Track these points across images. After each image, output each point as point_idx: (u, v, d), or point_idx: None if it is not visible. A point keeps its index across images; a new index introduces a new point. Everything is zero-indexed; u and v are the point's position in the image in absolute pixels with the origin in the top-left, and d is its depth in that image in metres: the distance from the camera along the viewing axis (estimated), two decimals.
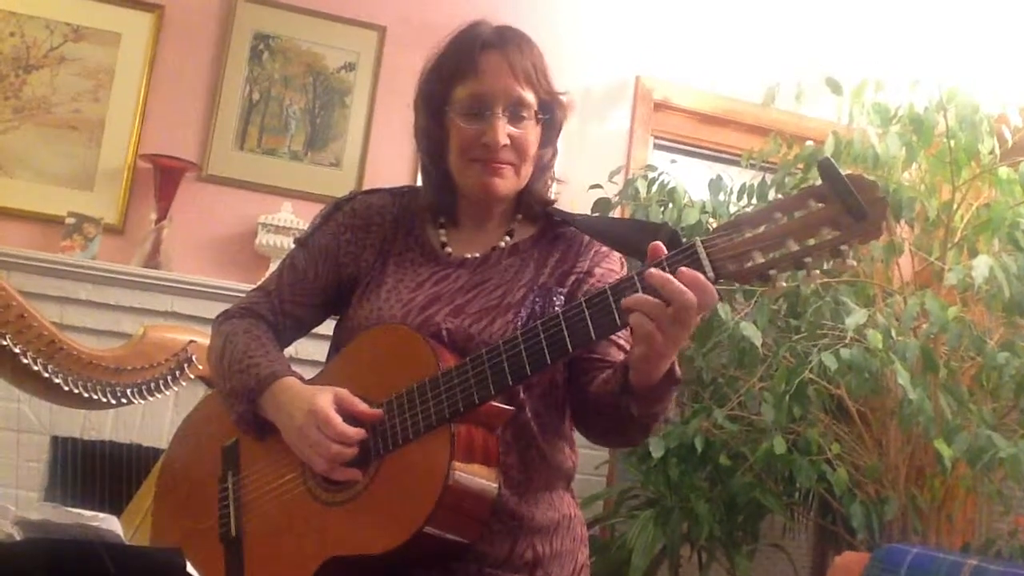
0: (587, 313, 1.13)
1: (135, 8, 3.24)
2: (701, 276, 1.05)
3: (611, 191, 3.12)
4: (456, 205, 1.41)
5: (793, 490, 3.02)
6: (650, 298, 1.07)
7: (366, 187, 3.35)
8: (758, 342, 2.64)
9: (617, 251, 1.40)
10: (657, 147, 3.77)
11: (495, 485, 1.22)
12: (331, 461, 1.22)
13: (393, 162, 3.42)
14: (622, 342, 1.33)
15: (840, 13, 3.68)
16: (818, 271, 1.04)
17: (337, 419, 1.22)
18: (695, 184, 3.09)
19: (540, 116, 1.35)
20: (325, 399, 1.24)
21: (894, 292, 2.93)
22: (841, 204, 1.00)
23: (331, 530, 1.23)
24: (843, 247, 1.01)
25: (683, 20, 3.71)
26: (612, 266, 1.40)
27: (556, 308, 1.30)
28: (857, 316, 2.51)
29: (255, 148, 3.31)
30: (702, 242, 1.07)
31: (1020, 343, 2.58)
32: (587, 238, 1.41)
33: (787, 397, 2.61)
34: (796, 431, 2.77)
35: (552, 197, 1.46)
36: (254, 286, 3.08)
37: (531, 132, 1.34)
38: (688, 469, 2.86)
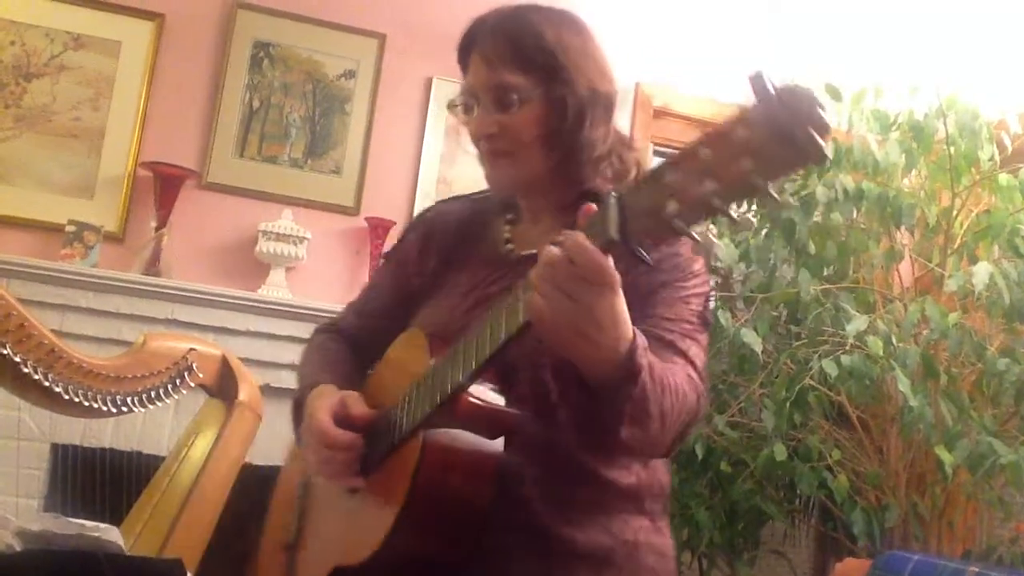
0: (519, 290, 0.99)
1: (135, 16, 3.24)
2: (580, 237, 0.89)
3: None
4: (514, 201, 1.36)
5: (794, 497, 3.01)
6: (537, 267, 0.93)
7: (365, 194, 3.37)
8: (758, 348, 2.64)
9: None
10: (657, 153, 3.77)
11: (484, 499, 1.11)
12: (321, 465, 1.21)
13: (393, 169, 3.42)
14: (670, 336, 1.17)
15: (839, 20, 3.69)
16: (750, 219, 0.84)
17: (326, 423, 1.19)
18: None
19: (532, 93, 1.23)
20: (324, 404, 1.22)
21: (894, 298, 2.93)
22: (766, 126, 0.76)
23: (337, 539, 1.24)
24: (757, 180, 0.76)
25: (682, 27, 3.71)
26: (676, 250, 1.22)
27: None
28: (857, 322, 2.51)
29: (255, 156, 3.32)
30: (616, 197, 0.88)
31: (1020, 349, 2.58)
32: None
33: (788, 404, 2.61)
34: (797, 438, 2.77)
35: (612, 174, 1.28)
36: (253, 293, 3.10)
37: (524, 115, 1.24)
38: (689, 476, 2.85)
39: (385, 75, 3.43)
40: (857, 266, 2.99)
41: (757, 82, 0.78)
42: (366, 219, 3.29)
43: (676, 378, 1.09)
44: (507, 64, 1.24)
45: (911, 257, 3.06)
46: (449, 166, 3.46)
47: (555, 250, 0.90)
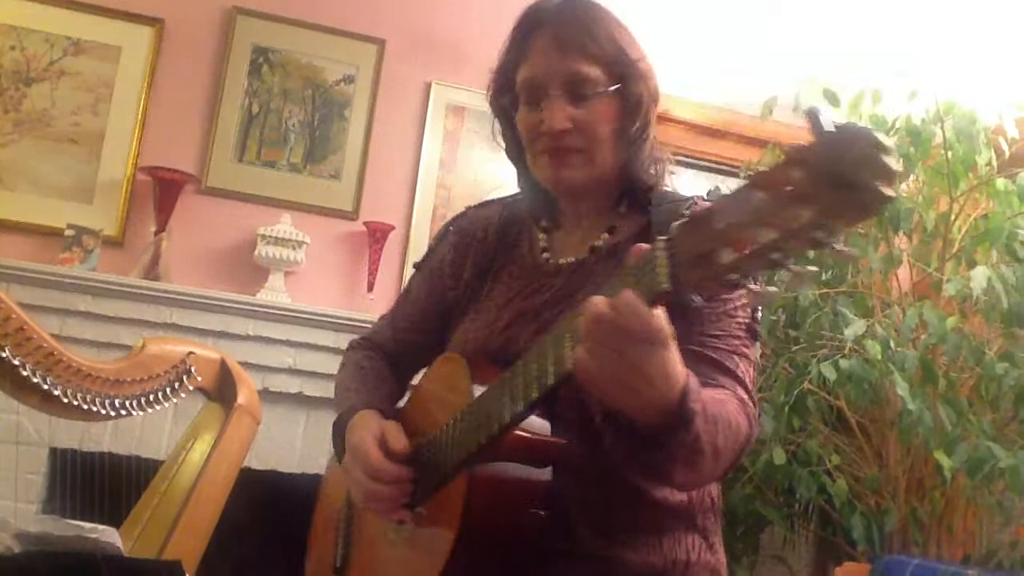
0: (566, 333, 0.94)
1: (135, 22, 3.25)
2: (629, 298, 0.83)
3: None
4: (553, 205, 1.29)
5: (793, 502, 3.01)
6: (584, 322, 0.86)
7: (364, 199, 3.37)
8: (757, 353, 2.64)
9: None
10: None
11: (532, 524, 1.07)
12: (366, 499, 1.17)
13: (392, 174, 3.43)
14: (715, 355, 1.11)
15: (838, 25, 3.69)
16: (814, 271, 0.75)
17: (375, 454, 1.14)
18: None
19: (608, 88, 1.18)
20: (369, 434, 1.18)
21: (893, 303, 2.93)
22: (822, 171, 0.68)
23: (386, 571, 1.21)
24: (819, 234, 0.69)
25: (681, 32, 3.72)
26: None
27: None
28: (856, 327, 2.52)
29: (254, 160, 3.32)
30: (666, 242, 0.81)
31: (1019, 354, 2.59)
32: None
33: (787, 408, 2.61)
34: (796, 442, 2.77)
35: (657, 176, 1.26)
36: (252, 297, 3.10)
37: (599, 109, 1.19)
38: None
39: (384, 80, 3.44)
40: (855, 271, 3.00)
41: (814, 119, 0.70)
42: (365, 224, 3.30)
43: (727, 410, 1.04)
44: (584, 53, 1.18)
45: (909, 262, 3.07)
46: (448, 171, 3.46)
47: (602, 305, 0.84)
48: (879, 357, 2.48)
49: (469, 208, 1.42)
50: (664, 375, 0.89)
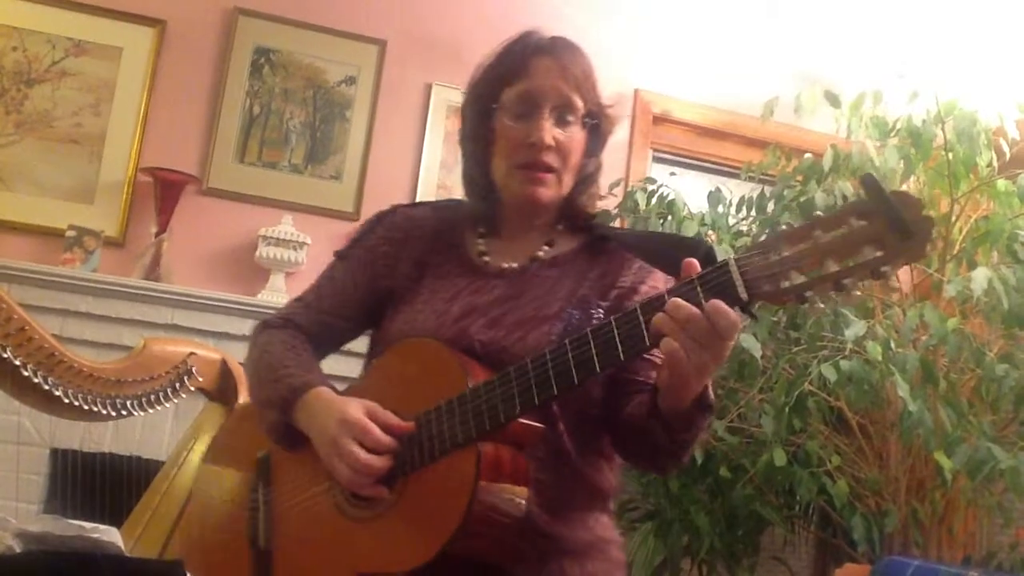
0: (616, 332, 1.09)
1: (136, 23, 3.26)
2: (722, 305, 1.02)
3: (610, 204, 3.12)
4: (498, 214, 1.39)
5: (793, 502, 3.01)
6: (677, 320, 1.03)
7: (365, 200, 3.37)
8: (758, 354, 2.64)
9: (653, 266, 1.34)
10: (656, 160, 3.78)
11: (523, 504, 1.18)
12: (360, 472, 1.18)
13: (393, 175, 3.43)
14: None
15: (838, 26, 3.70)
16: (858, 292, 0.99)
17: (374, 428, 1.19)
18: (694, 196, 3.10)
19: (586, 120, 1.32)
20: (357, 409, 1.21)
21: (893, 304, 2.93)
22: (885, 222, 0.94)
23: (358, 546, 1.22)
24: (885, 268, 0.94)
25: (682, 34, 3.73)
26: (657, 283, 1.32)
27: (594, 322, 1.24)
28: (856, 328, 2.51)
29: (255, 161, 3.32)
30: (736, 260, 1.03)
31: (1020, 355, 2.58)
32: (631, 253, 1.36)
33: (787, 409, 2.61)
34: (796, 443, 2.76)
35: (595, 211, 1.43)
36: (253, 298, 3.10)
37: (576, 137, 1.32)
38: (688, 481, 2.85)
39: (385, 81, 3.44)
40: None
41: (870, 182, 0.94)
42: None
43: None
44: (578, 85, 1.32)
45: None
46: (448, 172, 3.46)
47: (691, 307, 1.02)
48: (880, 358, 2.48)
49: (398, 206, 1.50)
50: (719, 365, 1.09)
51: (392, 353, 1.31)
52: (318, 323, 1.44)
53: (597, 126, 1.35)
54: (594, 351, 1.10)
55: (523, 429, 1.18)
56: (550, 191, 1.32)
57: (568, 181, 1.34)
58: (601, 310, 1.28)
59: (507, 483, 1.17)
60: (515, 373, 1.14)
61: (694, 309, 1.02)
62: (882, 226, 0.93)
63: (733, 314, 1.02)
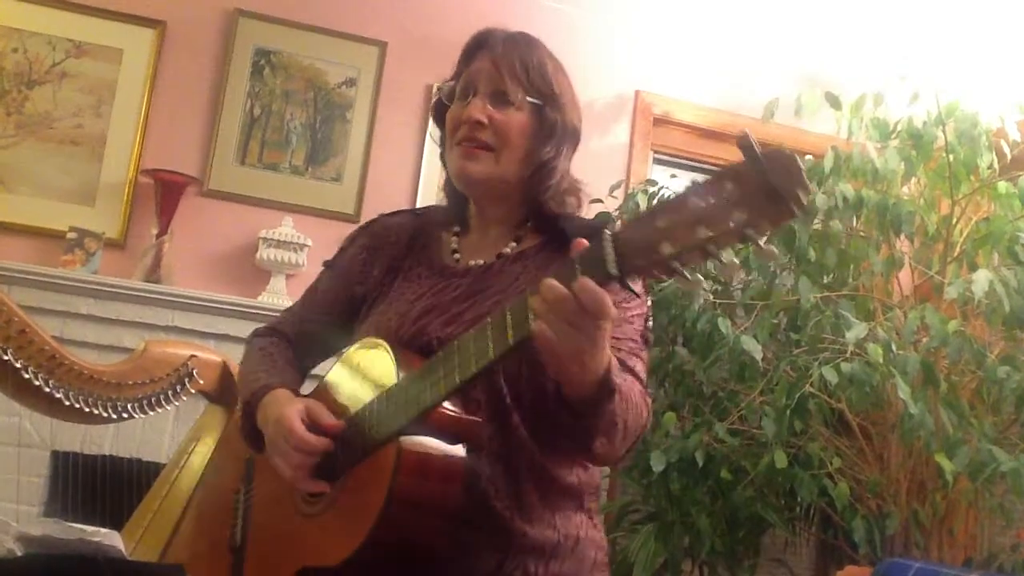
0: (508, 317, 1.07)
1: (137, 24, 3.26)
2: (588, 282, 0.97)
3: (612, 205, 3.13)
4: (468, 212, 1.42)
5: (794, 504, 3.01)
6: (548, 301, 1.00)
7: (366, 202, 3.37)
8: (758, 356, 2.64)
9: None
10: (657, 161, 3.78)
11: (458, 497, 1.16)
12: (294, 470, 1.22)
13: (394, 177, 3.43)
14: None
15: (839, 28, 3.70)
16: (736, 263, 0.92)
17: (300, 428, 1.21)
18: None
19: (528, 101, 1.33)
20: (292, 409, 1.25)
21: (894, 306, 2.93)
22: (753, 184, 0.87)
23: (302, 541, 1.25)
24: (749, 231, 0.88)
25: (682, 35, 3.73)
26: None
27: None
28: (857, 330, 2.51)
29: (256, 163, 3.32)
30: (611, 235, 0.97)
31: (1020, 357, 2.58)
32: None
33: (788, 411, 2.60)
34: (797, 445, 2.76)
35: (570, 209, 1.40)
36: (254, 300, 3.10)
37: (515, 118, 1.32)
38: (689, 483, 2.85)
39: (386, 83, 3.44)
40: (857, 273, 2.99)
41: (745, 143, 0.87)
42: None
43: (634, 393, 1.19)
44: (513, 74, 1.33)
45: (911, 264, 3.07)
46: None
47: (559, 287, 0.98)
48: (880, 360, 2.48)
49: (381, 215, 1.55)
50: (604, 348, 1.05)
51: (347, 354, 1.35)
52: (301, 331, 1.51)
53: (544, 112, 1.34)
54: (490, 337, 1.08)
55: (449, 420, 1.16)
56: (481, 167, 1.32)
57: (510, 163, 1.33)
58: None
59: (437, 477, 1.15)
60: (439, 361, 1.14)
61: (563, 289, 0.98)
62: (751, 188, 0.88)
63: (599, 292, 0.97)
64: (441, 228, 1.45)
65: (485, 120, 1.31)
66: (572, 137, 1.39)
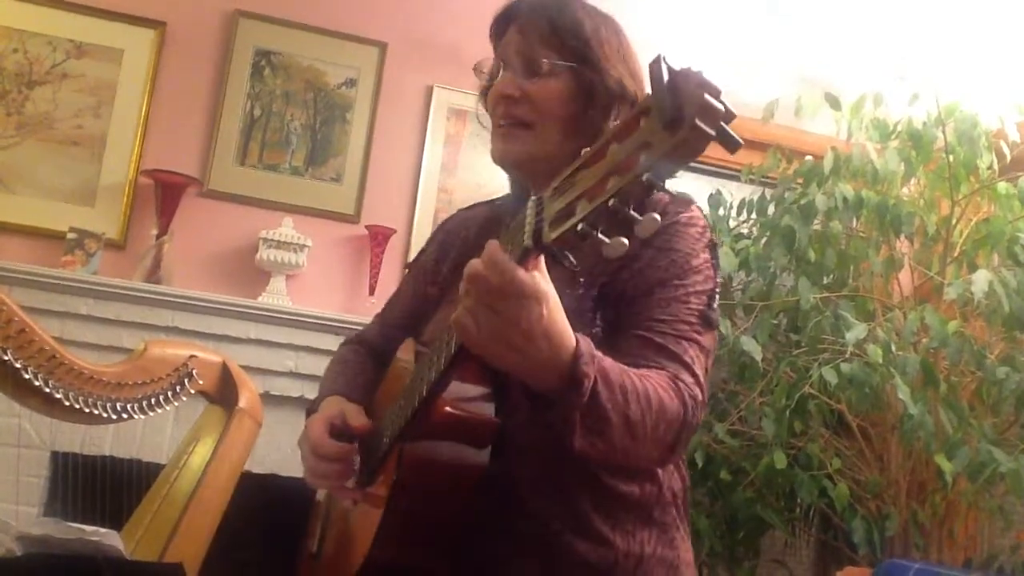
0: None
1: (137, 25, 3.26)
2: (496, 254, 0.86)
3: None
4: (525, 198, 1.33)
5: (794, 505, 3.01)
6: (467, 281, 0.89)
7: (366, 203, 3.37)
8: (758, 357, 2.64)
9: None
10: None
11: (460, 506, 1.08)
12: (312, 475, 1.21)
13: (394, 177, 3.43)
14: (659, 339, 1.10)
15: (839, 28, 3.70)
16: (656, 219, 0.74)
17: (317, 433, 1.19)
18: (695, 198, 3.09)
19: (562, 66, 1.20)
20: (322, 416, 1.22)
21: (894, 307, 2.93)
22: (659, 114, 0.70)
23: (345, 549, 1.24)
24: (648, 176, 0.71)
25: (681, 36, 3.72)
26: (673, 245, 1.15)
27: (588, 304, 1.13)
28: (857, 330, 2.51)
29: (256, 164, 3.32)
30: (536, 201, 0.84)
31: (1020, 358, 2.59)
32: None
33: (788, 412, 2.61)
34: (797, 446, 2.77)
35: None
36: (254, 301, 3.10)
37: (551, 86, 1.20)
38: (689, 484, 2.85)
39: (386, 84, 3.44)
40: (857, 274, 3.00)
41: (654, 69, 0.72)
42: (366, 227, 3.30)
43: (647, 384, 1.03)
44: (542, 39, 1.21)
45: (910, 265, 3.07)
46: (449, 175, 3.46)
47: (476, 263, 0.87)
48: (880, 361, 2.48)
49: (459, 210, 1.47)
50: (544, 332, 0.90)
51: (395, 358, 1.33)
52: (384, 335, 1.46)
53: (583, 74, 1.20)
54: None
55: (469, 423, 1.07)
56: (520, 146, 1.21)
57: (551, 135, 1.20)
58: (606, 290, 1.15)
59: (440, 485, 1.07)
60: (428, 355, 1.05)
61: (474, 268, 0.87)
62: (656, 122, 0.71)
63: (505, 262, 0.84)
64: (507, 218, 1.33)
65: (516, 94, 1.21)
66: (622, 97, 1.23)
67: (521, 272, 0.85)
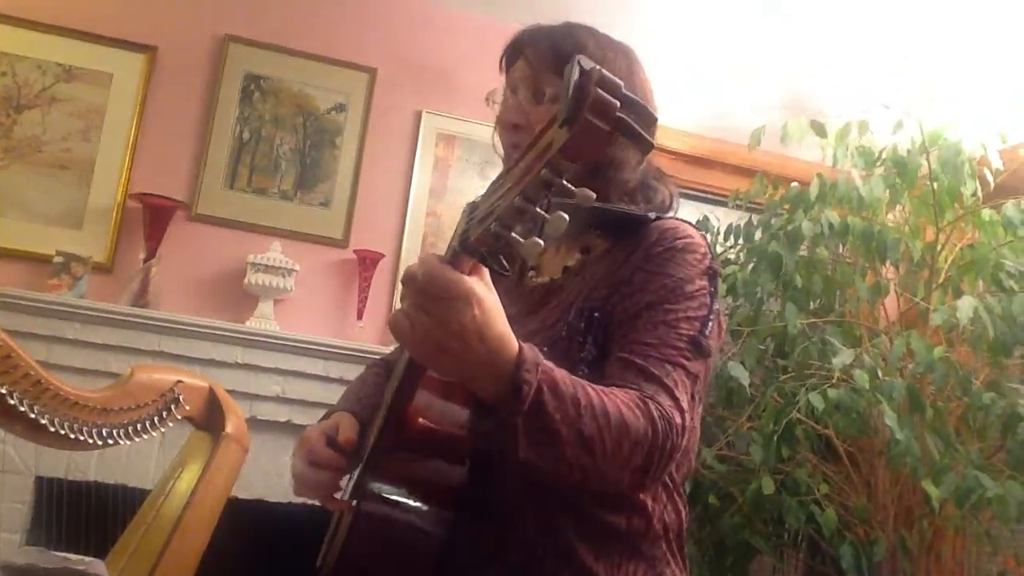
0: None
1: (127, 49, 3.26)
2: (426, 256, 0.88)
3: None
4: None
5: (782, 531, 3.01)
6: (404, 283, 0.90)
7: (355, 227, 3.38)
8: (746, 382, 2.65)
9: None
10: None
11: (429, 534, 1.07)
12: (301, 484, 1.20)
13: (382, 203, 3.44)
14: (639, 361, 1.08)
15: (824, 56, 3.74)
16: (563, 217, 0.75)
17: (314, 440, 1.19)
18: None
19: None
20: (320, 426, 1.22)
21: (880, 332, 2.95)
22: (561, 114, 0.72)
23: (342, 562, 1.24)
24: (543, 172, 0.72)
25: (668, 62, 3.76)
26: (668, 270, 1.14)
27: (579, 334, 1.13)
28: (844, 356, 2.52)
29: (245, 188, 3.33)
30: (468, 206, 0.86)
31: (1006, 383, 2.60)
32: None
33: (775, 437, 2.61)
34: (785, 471, 2.77)
35: (646, 204, 1.23)
36: (241, 325, 3.08)
37: (555, 110, 1.21)
38: (686, 517, 2.84)
39: (375, 109, 3.46)
40: (843, 300, 3.01)
41: (566, 70, 0.73)
42: (355, 251, 3.30)
43: (606, 399, 0.99)
44: (546, 65, 1.21)
45: (896, 291, 3.09)
46: (438, 199, 3.48)
47: (411, 266, 0.88)
48: (867, 386, 2.49)
49: None
50: (479, 335, 0.89)
51: None
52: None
53: None
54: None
55: (430, 433, 1.06)
56: None
57: None
58: (597, 314, 1.14)
59: (411, 498, 1.06)
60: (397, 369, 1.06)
61: (411, 268, 0.88)
62: (559, 121, 0.72)
63: (433, 262, 0.86)
64: None
65: (521, 122, 1.21)
66: None
67: (448, 271, 0.86)
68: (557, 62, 1.20)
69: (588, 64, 0.72)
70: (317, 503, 1.22)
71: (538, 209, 0.74)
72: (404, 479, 1.08)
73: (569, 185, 0.73)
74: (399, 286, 3.30)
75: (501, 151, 1.31)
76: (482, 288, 0.89)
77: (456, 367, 0.92)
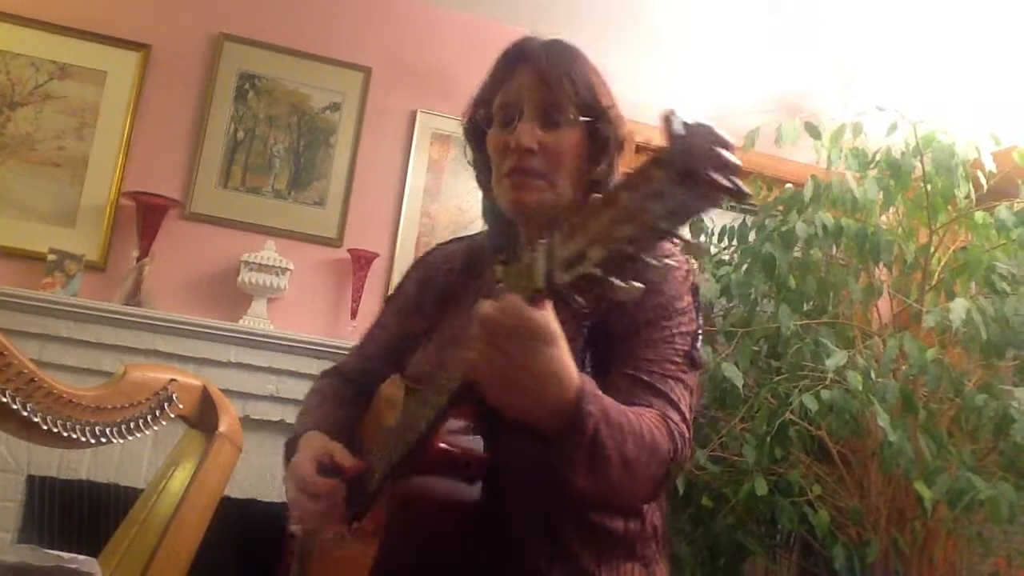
0: None
1: (121, 47, 3.26)
2: (511, 298, 0.87)
3: None
4: (515, 238, 1.31)
5: (775, 532, 3.01)
6: (477, 324, 0.90)
7: (349, 226, 3.38)
8: (739, 383, 2.65)
9: None
10: None
11: (449, 542, 1.10)
12: (299, 512, 1.20)
13: (376, 202, 3.43)
14: (652, 380, 1.14)
15: (818, 58, 3.75)
16: (666, 261, 0.78)
17: (307, 471, 1.18)
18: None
19: (576, 119, 1.23)
20: (308, 452, 1.22)
21: (873, 334, 2.95)
22: (673, 167, 0.73)
23: None
24: (662, 223, 0.74)
25: (662, 64, 3.76)
26: (660, 288, 1.18)
27: (578, 350, 1.13)
28: (837, 357, 2.53)
29: (239, 186, 3.32)
30: (545, 245, 0.85)
31: (998, 385, 2.60)
32: None
33: (768, 438, 2.61)
34: (778, 472, 2.77)
35: None
36: (235, 324, 3.08)
37: (566, 139, 1.23)
38: (670, 511, 2.85)
39: (370, 108, 3.45)
40: (836, 301, 3.02)
41: (667, 122, 0.75)
42: (349, 251, 3.30)
43: (641, 422, 1.05)
44: (562, 91, 1.23)
45: (889, 293, 3.09)
46: (432, 199, 3.47)
47: (487, 307, 0.88)
48: (860, 388, 2.49)
49: (438, 245, 1.48)
50: (552, 373, 0.92)
51: (379, 394, 1.32)
52: (362, 368, 1.46)
53: (595, 128, 1.24)
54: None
55: (459, 459, 1.08)
56: (537, 195, 1.22)
57: (565, 186, 1.23)
58: (595, 329, 1.17)
59: (429, 524, 1.09)
60: (424, 388, 1.07)
61: (487, 307, 0.88)
62: (670, 174, 0.74)
63: (519, 305, 0.86)
64: (491, 256, 1.36)
65: (536, 147, 1.22)
66: (622, 150, 1.29)
67: (535, 314, 0.87)
68: (570, 89, 1.24)
69: (689, 116, 0.75)
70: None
71: (645, 257, 0.75)
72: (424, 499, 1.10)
73: (687, 236, 0.76)
74: (393, 286, 3.30)
75: (471, 157, 1.35)
76: (556, 326, 0.91)
77: (525, 403, 0.94)
